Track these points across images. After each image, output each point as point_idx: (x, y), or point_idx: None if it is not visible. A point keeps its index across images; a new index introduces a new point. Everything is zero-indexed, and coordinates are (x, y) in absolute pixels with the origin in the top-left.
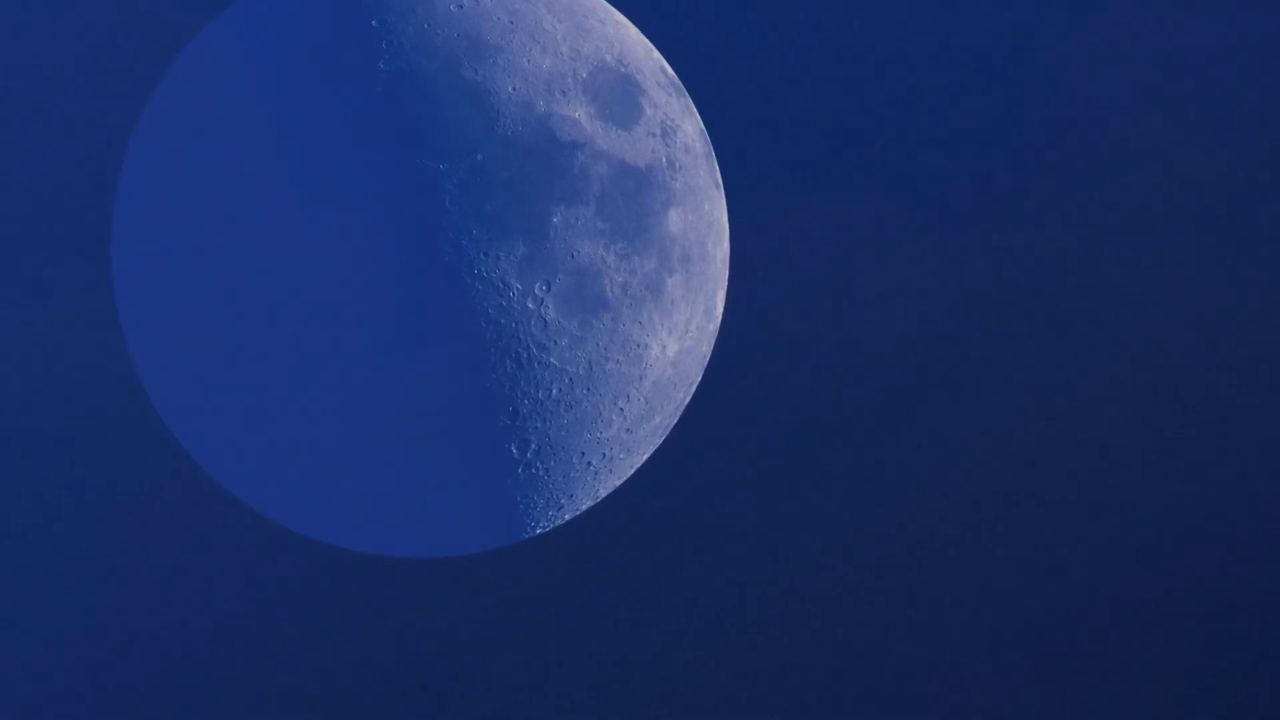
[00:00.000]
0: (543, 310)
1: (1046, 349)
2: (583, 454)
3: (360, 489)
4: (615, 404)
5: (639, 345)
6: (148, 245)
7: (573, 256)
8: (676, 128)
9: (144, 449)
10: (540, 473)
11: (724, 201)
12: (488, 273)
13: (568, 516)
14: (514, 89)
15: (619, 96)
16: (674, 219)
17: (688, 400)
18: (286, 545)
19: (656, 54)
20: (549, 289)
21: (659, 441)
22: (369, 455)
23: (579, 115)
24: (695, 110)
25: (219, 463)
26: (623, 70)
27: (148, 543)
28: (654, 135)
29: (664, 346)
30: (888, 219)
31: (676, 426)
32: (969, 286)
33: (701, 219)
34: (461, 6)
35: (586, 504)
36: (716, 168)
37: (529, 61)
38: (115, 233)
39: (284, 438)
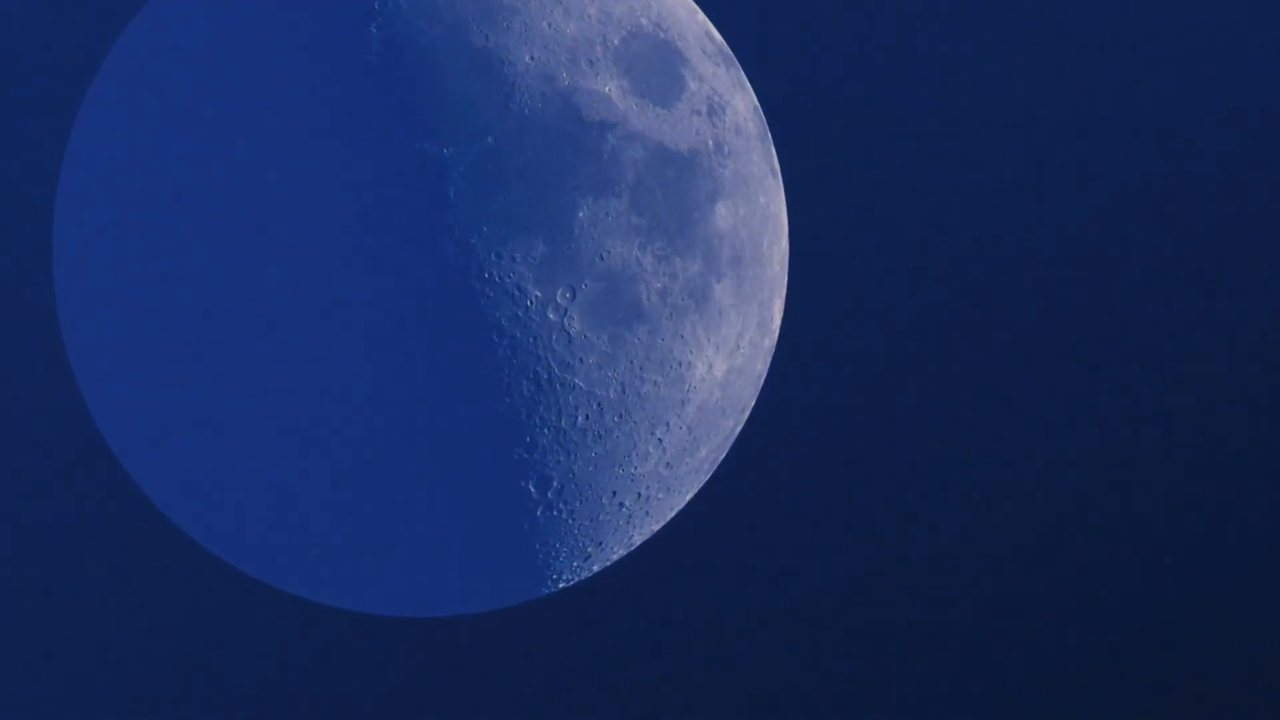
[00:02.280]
0: (566, 322)
1: (1169, 367)
2: (614, 493)
3: (350, 538)
4: (652, 434)
5: (681, 364)
6: (93, 251)
7: (602, 258)
8: (725, 105)
9: (99, 496)
10: (563, 515)
11: (782, 192)
12: (501, 277)
13: (596, 567)
14: (532, 58)
15: (657, 67)
16: (722, 213)
17: (739, 429)
18: (264, 603)
19: (701, 16)
20: (573, 297)
21: (704, 478)
22: (358, 498)
23: (609, 90)
24: (748, 84)
25: (180, 507)
26: (661, 36)
27: (111, 607)
28: (698, 114)
29: (710, 365)
30: (977, 214)
31: (725, 461)
32: (1075, 287)
33: (755, 213)
34: None
35: (618, 553)
36: (773, 152)
37: (550, 26)
38: (56, 239)
39: (256, 478)
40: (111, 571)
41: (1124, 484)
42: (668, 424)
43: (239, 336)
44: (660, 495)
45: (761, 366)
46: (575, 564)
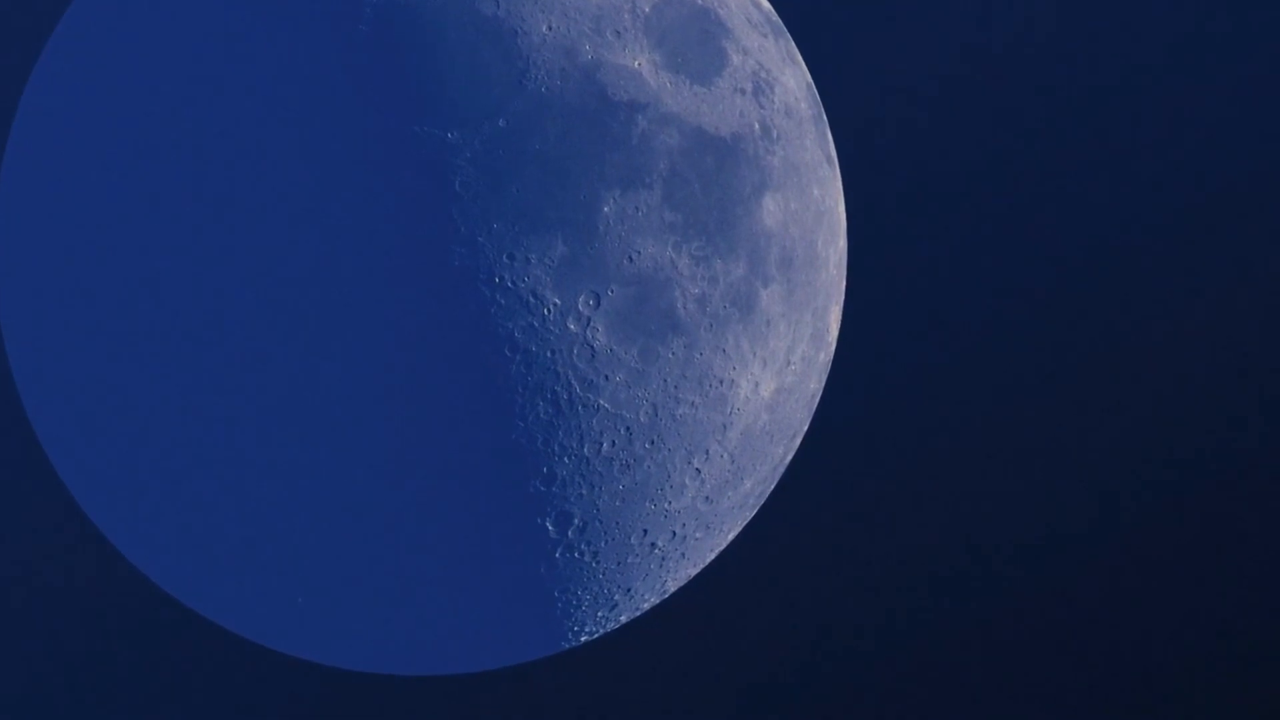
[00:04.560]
0: (590, 334)
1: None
2: (644, 532)
3: (339, 585)
4: (689, 463)
5: (722, 382)
6: (39, 256)
7: (631, 260)
8: (774, 81)
9: (59, 544)
10: (586, 558)
11: (839, 183)
12: (514, 282)
13: (624, 618)
14: (550, 28)
15: (694, 39)
16: (770, 208)
17: (789, 458)
18: (247, 661)
19: None
20: (598, 304)
21: (750, 515)
22: (348, 539)
23: (639, 65)
24: (800, 58)
25: (147, 555)
26: (699, 2)
27: (82, 667)
28: (743, 92)
29: (757, 384)
30: (1063, 209)
31: (774, 494)
32: (1172, 288)
33: (808, 208)
34: None
35: (650, 601)
36: (829, 137)
37: None
38: None
39: (232, 521)
40: (82, 630)
41: (1208, 508)
42: (707, 452)
43: (207, 355)
44: (698, 534)
45: (815, 385)
46: (600, 614)
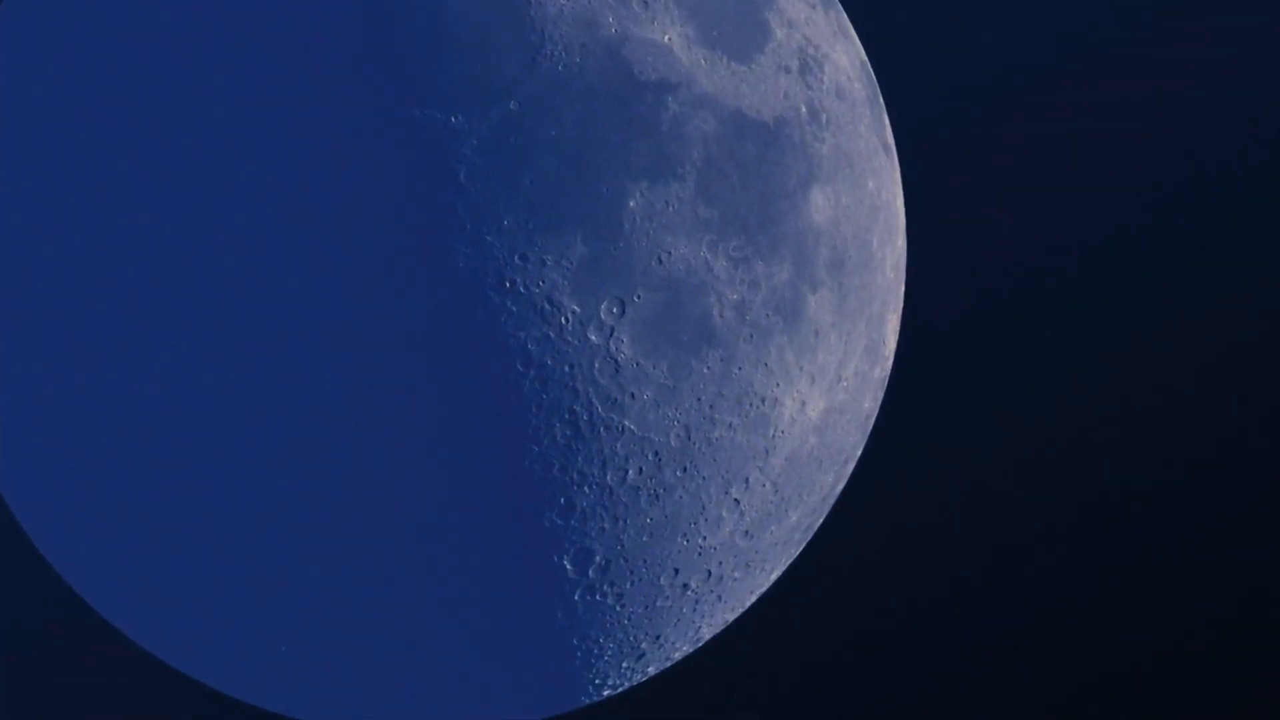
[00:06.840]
0: (613, 346)
1: None
2: (676, 571)
3: (334, 636)
4: (727, 493)
5: (764, 401)
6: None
7: (660, 261)
8: (823, 59)
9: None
10: (610, 601)
11: (898, 174)
12: (526, 287)
13: (652, 669)
14: None
15: (732, 9)
16: (819, 202)
17: (840, 487)
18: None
19: None
20: (623, 313)
21: (795, 552)
22: (342, 583)
23: (670, 39)
24: (853, 32)
25: (118, 606)
26: None
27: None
28: (787, 71)
29: (804, 403)
30: (1149, 206)
31: (822, 529)
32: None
33: (862, 202)
34: None
35: (682, 650)
36: (886, 122)
37: None
38: None
39: (212, 560)
40: (59, 690)
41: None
42: (747, 480)
43: (180, 372)
44: (737, 574)
45: (870, 404)
46: (625, 665)
